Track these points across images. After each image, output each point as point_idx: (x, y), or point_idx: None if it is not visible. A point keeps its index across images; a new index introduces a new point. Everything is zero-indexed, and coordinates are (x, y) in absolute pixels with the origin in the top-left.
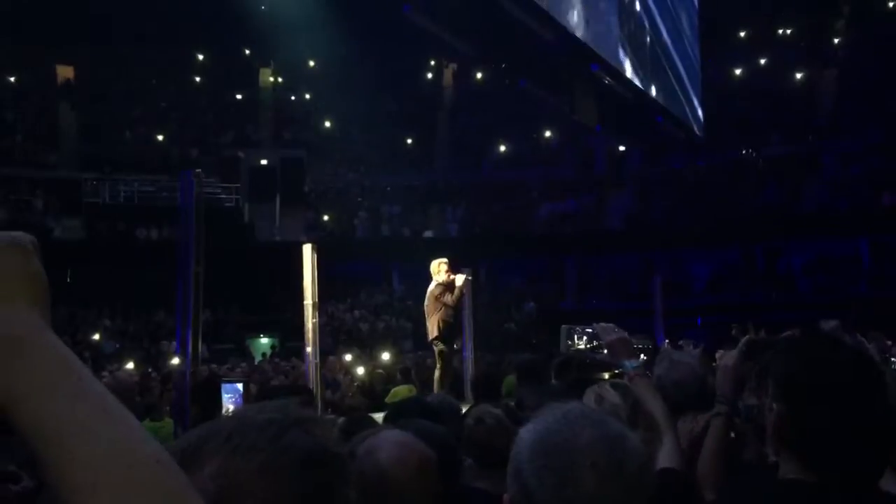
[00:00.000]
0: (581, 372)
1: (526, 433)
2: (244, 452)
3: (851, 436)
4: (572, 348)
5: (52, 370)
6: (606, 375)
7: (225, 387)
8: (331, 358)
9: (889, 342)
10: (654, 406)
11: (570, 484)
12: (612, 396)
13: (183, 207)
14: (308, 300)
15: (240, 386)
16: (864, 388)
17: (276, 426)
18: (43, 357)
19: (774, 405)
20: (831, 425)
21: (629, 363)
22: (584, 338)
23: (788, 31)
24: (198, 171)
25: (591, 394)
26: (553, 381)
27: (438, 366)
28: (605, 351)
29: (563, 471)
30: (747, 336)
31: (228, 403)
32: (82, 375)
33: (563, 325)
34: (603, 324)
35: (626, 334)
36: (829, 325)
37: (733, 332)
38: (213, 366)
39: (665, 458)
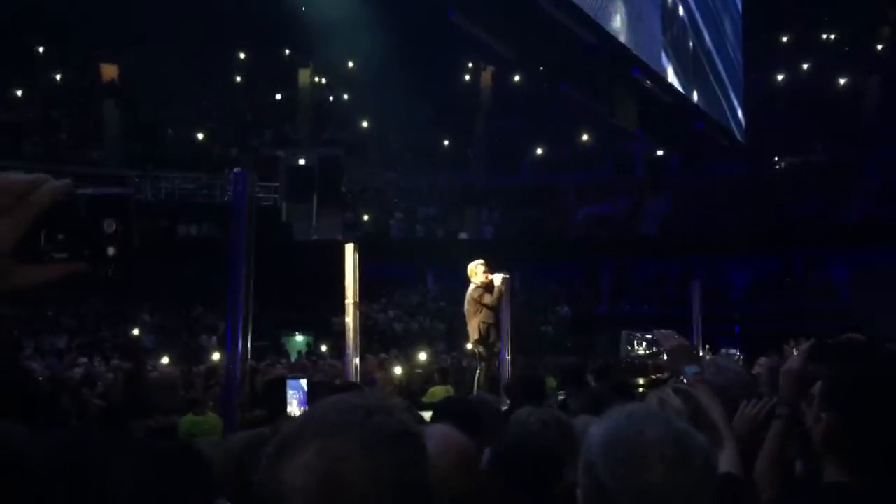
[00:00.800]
0: (621, 375)
1: (596, 430)
2: (342, 433)
3: None
4: (632, 353)
5: None
6: (642, 380)
7: (289, 382)
8: (369, 357)
9: None
10: (714, 412)
11: (640, 476)
12: (675, 401)
13: (235, 206)
14: (349, 299)
15: (303, 382)
16: None
17: (363, 410)
18: None
19: (823, 414)
20: (885, 435)
21: (689, 369)
22: (644, 343)
23: (832, 37)
24: (237, 169)
25: (654, 398)
26: (593, 384)
27: (480, 368)
28: (665, 357)
29: (634, 464)
30: (812, 339)
31: (293, 398)
32: None
33: (623, 331)
34: (663, 331)
35: (686, 341)
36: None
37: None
38: (252, 362)
39: (725, 463)
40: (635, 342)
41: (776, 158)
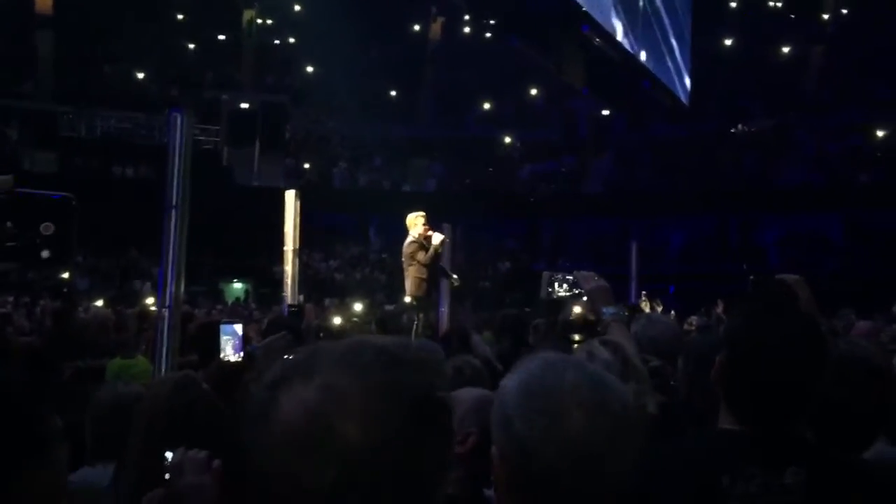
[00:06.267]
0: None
1: (510, 382)
2: (356, 371)
3: (782, 392)
4: (553, 295)
5: None
6: (577, 337)
7: (223, 328)
8: (308, 305)
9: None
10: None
11: (560, 425)
12: (603, 353)
13: (171, 146)
14: (288, 246)
15: (238, 327)
16: (802, 351)
17: (390, 356)
18: None
19: (718, 356)
20: (763, 378)
21: (607, 309)
22: (565, 285)
23: (780, 5)
24: (175, 109)
25: (582, 351)
26: (531, 339)
27: (417, 319)
28: (585, 298)
29: (552, 413)
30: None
31: (227, 344)
32: None
33: (545, 272)
34: (584, 272)
35: (605, 283)
36: (791, 278)
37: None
38: (186, 307)
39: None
40: (556, 283)
41: (718, 122)
